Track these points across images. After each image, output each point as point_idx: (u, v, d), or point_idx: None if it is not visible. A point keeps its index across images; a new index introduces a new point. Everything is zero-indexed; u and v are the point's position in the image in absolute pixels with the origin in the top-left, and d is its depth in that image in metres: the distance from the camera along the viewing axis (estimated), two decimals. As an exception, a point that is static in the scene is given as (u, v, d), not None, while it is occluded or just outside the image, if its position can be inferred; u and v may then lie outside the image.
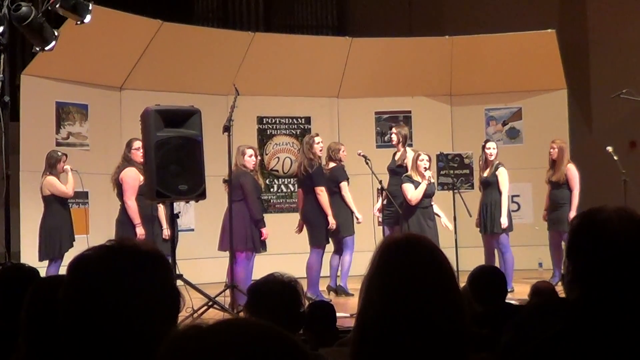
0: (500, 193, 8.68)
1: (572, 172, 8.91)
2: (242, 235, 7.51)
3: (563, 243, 8.64)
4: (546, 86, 11.04)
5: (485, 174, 8.84)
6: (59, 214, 8.02)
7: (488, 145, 8.91)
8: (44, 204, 8.08)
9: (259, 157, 8.29)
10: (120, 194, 7.66)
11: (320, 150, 8.35)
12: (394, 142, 8.99)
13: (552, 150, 9.01)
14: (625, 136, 11.71)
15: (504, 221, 8.56)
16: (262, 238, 7.74)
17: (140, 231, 7.49)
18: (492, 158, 8.78)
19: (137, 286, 1.44)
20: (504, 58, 10.85)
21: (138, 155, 7.58)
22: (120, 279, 1.44)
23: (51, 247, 7.91)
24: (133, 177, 7.56)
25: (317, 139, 8.40)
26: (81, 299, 1.43)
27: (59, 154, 8.16)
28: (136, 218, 7.49)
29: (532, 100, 11.20)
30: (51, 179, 7.98)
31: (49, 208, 8.04)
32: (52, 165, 8.03)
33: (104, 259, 1.47)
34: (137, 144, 7.60)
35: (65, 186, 7.98)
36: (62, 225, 8.00)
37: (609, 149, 9.23)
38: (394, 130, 9.11)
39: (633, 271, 1.76)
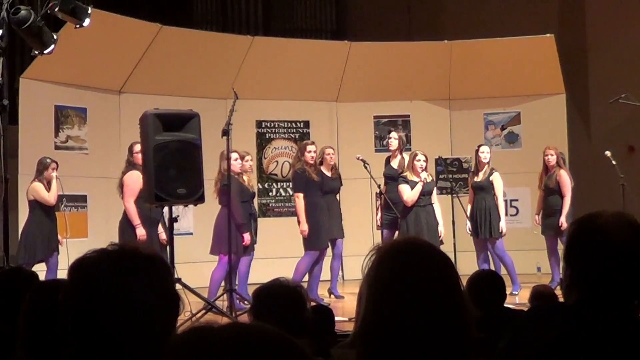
0: (495, 198, 8.65)
1: (565, 178, 8.81)
2: (223, 239, 7.53)
3: (560, 248, 8.66)
4: (545, 91, 11.04)
5: (477, 179, 8.79)
6: (39, 221, 8.03)
7: (482, 149, 8.84)
8: (28, 208, 8.12)
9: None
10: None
11: (312, 156, 8.24)
12: (392, 147, 8.70)
13: (549, 157, 8.93)
14: (624, 141, 11.72)
15: (503, 225, 8.53)
16: (243, 243, 7.72)
17: (140, 232, 7.50)
18: (486, 161, 8.73)
19: (137, 289, 1.44)
20: (502, 62, 10.86)
21: (140, 157, 7.61)
22: (121, 282, 1.44)
23: (25, 251, 7.92)
24: (134, 180, 7.57)
25: (310, 147, 8.31)
26: (81, 302, 1.44)
27: (48, 160, 8.15)
28: (135, 219, 7.51)
29: (531, 105, 11.20)
30: (36, 185, 8.02)
31: (31, 213, 8.08)
32: (41, 171, 8.06)
33: (104, 262, 1.48)
34: (138, 147, 7.62)
35: (48, 194, 7.97)
36: (40, 232, 8.02)
37: (608, 153, 9.22)
38: (394, 135, 8.87)
39: (630, 276, 1.76)
